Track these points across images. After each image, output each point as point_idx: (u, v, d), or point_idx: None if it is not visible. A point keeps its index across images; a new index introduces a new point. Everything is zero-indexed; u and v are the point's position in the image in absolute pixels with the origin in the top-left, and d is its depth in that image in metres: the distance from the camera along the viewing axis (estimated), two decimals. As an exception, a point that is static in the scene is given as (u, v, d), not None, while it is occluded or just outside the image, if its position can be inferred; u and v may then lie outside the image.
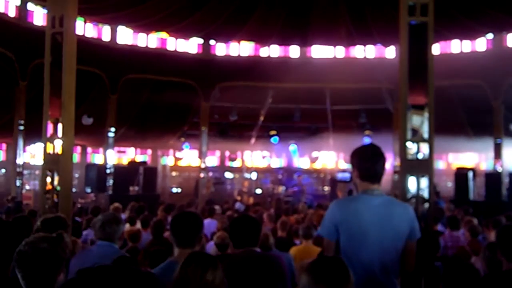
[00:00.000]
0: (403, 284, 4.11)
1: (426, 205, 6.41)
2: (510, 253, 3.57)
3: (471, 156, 27.45)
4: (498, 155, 21.80)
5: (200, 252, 3.46)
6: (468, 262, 6.82)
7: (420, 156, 6.70)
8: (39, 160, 22.88)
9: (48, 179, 8.04)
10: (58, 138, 7.98)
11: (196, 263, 3.09)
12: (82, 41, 18.00)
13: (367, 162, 4.04)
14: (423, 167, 6.57)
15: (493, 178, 17.97)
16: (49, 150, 8.10)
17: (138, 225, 9.28)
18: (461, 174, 17.78)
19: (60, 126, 8.06)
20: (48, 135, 8.16)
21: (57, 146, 8.01)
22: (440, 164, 27.64)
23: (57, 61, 8.07)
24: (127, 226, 9.22)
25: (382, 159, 4.05)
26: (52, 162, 8.00)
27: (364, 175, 4.04)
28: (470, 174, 17.45)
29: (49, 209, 7.77)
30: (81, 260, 4.63)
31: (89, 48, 20.14)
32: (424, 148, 6.68)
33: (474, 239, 8.39)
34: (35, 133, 12.42)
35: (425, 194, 6.48)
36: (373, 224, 3.89)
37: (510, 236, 3.64)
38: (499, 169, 21.18)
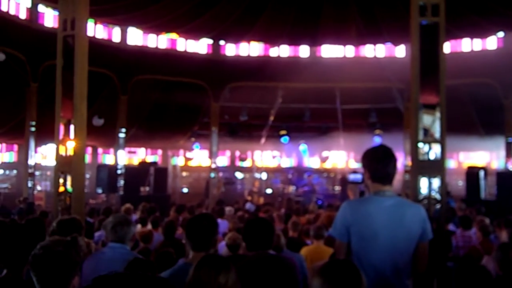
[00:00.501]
0: (415, 285, 4.10)
1: (438, 205, 6.39)
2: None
3: (482, 155, 27.29)
4: (509, 153, 21.68)
5: (213, 254, 3.48)
6: (480, 262, 6.80)
7: (432, 156, 6.68)
8: (50, 161, 23.06)
9: (61, 181, 8.09)
10: (70, 140, 8.02)
11: (209, 265, 3.10)
12: (92, 42, 17.98)
13: (378, 164, 4.04)
14: (435, 167, 6.56)
15: (504, 177, 17.84)
16: (62, 152, 8.15)
17: (149, 225, 9.31)
18: (472, 173, 17.69)
19: (72, 127, 8.10)
20: (60, 136, 8.21)
21: (69, 148, 8.06)
22: (451, 163, 27.49)
23: (68, 63, 8.12)
24: (139, 227, 9.27)
25: (393, 160, 4.05)
26: (64, 164, 8.06)
27: (376, 176, 4.04)
28: (481, 173, 17.35)
29: (62, 211, 7.82)
30: (93, 262, 4.66)
31: (99, 49, 20.21)
32: (436, 148, 6.67)
33: (485, 238, 8.34)
34: (46, 134, 12.53)
35: (437, 195, 6.46)
36: (385, 226, 3.89)
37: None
38: (511, 168, 21.06)
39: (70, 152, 8.01)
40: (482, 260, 6.94)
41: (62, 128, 8.28)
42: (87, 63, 8.23)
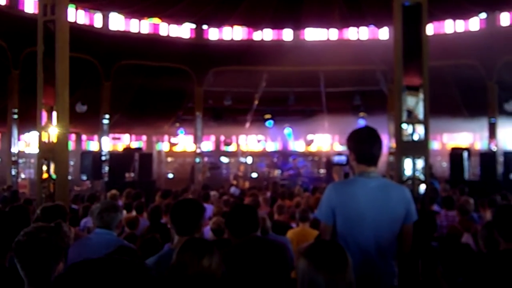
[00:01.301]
0: (400, 266, 4.12)
1: (422, 186, 6.43)
2: (507, 233, 3.58)
3: (466, 136, 27.49)
4: (492, 134, 21.85)
5: (196, 238, 3.46)
6: (460, 239, 6.89)
7: (415, 137, 6.71)
8: (34, 149, 22.85)
9: (44, 168, 8.02)
10: (53, 126, 7.95)
11: (193, 249, 3.09)
12: (74, 28, 17.83)
13: (363, 145, 4.04)
14: (418, 148, 6.59)
15: (487, 158, 17.97)
16: (44, 139, 8.07)
17: (134, 211, 9.28)
18: (456, 154, 17.78)
19: (54, 114, 8.02)
20: (43, 123, 8.13)
21: (52, 135, 7.99)
22: (434, 145, 27.69)
23: (50, 49, 8.02)
24: (124, 213, 9.22)
25: (378, 141, 4.05)
26: (47, 151, 7.99)
27: (361, 158, 4.04)
28: (465, 154, 17.45)
29: (46, 198, 7.76)
30: (79, 248, 4.62)
31: (81, 35, 20.01)
32: (420, 129, 6.69)
33: (464, 217, 8.44)
34: (29, 121, 12.39)
35: (421, 175, 6.49)
36: (370, 207, 3.89)
37: (506, 216, 3.65)
38: (494, 148, 21.24)
39: (53, 139, 7.94)
40: (462, 237, 7.04)
41: (45, 115, 8.20)
42: (68, 48, 8.12)
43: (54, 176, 7.90)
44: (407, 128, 6.69)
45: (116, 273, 1.61)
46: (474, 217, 9.24)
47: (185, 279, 3.00)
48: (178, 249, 3.12)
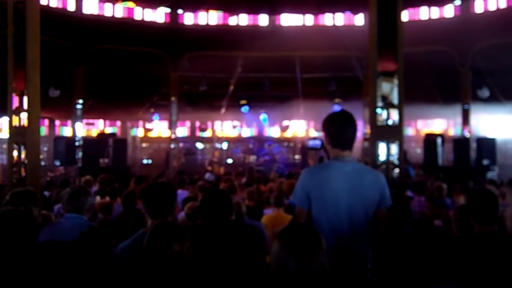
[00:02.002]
0: (374, 250, 4.13)
1: (397, 170, 6.46)
2: (480, 217, 3.60)
3: (440, 123, 27.78)
4: (466, 121, 22.08)
5: (168, 221, 3.41)
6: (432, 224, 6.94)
7: (390, 122, 6.73)
8: (5, 134, 22.53)
9: (15, 153, 7.89)
10: (24, 110, 7.81)
11: (164, 233, 3.05)
12: (47, 11, 17.60)
13: (338, 129, 4.03)
14: (393, 133, 6.61)
15: (461, 144, 18.17)
16: (15, 123, 7.93)
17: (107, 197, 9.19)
18: (430, 140, 17.95)
19: (25, 98, 7.88)
20: (13, 107, 7.98)
21: (23, 119, 7.86)
22: (409, 131, 27.93)
23: (20, 31, 7.85)
24: (98, 198, 9.14)
25: (353, 125, 4.04)
26: (18, 135, 7.86)
27: (335, 141, 4.03)
28: (439, 140, 17.62)
29: (17, 183, 7.65)
30: (50, 233, 4.56)
31: (54, 19, 19.73)
32: (394, 114, 6.71)
33: (433, 204, 8.50)
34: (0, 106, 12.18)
35: (395, 160, 6.52)
36: (344, 191, 3.89)
37: (480, 200, 3.68)
38: (467, 134, 21.48)
39: (24, 123, 7.81)
40: (433, 224, 7.09)
41: (17, 99, 8.05)
42: (39, 31, 7.96)
43: (25, 161, 7.77)
44: (381, 113, 6.70)
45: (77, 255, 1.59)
46: (447, 203, 9.34)
47: (155, 263, 2.96)
48: (149, 233, 3.08)
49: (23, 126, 7.81)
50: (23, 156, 7.79)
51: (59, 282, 1.62)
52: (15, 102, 8.03)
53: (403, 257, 4.32)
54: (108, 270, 1.60)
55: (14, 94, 8.04)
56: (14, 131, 7.89)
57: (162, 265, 2.90)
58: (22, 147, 7.81)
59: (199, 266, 3.18)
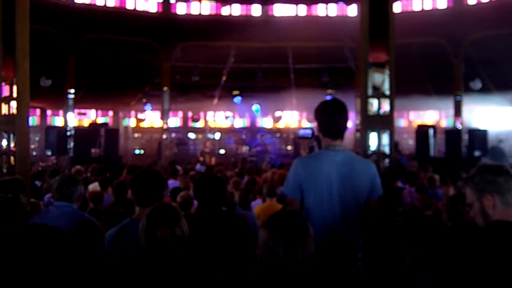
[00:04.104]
0: (364, 240, 4.13)
1: (387, 160, 6.45)
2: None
3: (432, 114, 27.84)
4: (458, 112, 22.12)
5: (165, 204, 3.37)
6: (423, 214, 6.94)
7: (381, 112, 6.72)
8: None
9: (4, 143, 7.84)
10: (13, 98, 7.75)
11: (163, 217, 3.04)
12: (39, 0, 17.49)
13: (327, 117, 4.01)
14: (384, 122, 6.60)
15: (453, 135, 18.24)
16: (4, 111, 7.87)
17: (98, 187, 9.16)
18: (422, 132, 18.00)
19: (15, 87, 7.82)
20: (2, 95, 7.92)
21: (12, 107, 7.80)
22: (401, 122, 28.00)
23: (9, 18, 7.76)
24: (90, 187, 9.11)
25: (343, 114, 4.01)
26: (7, 123, 7.79)
27: (325, 130, 4.01)
28: (431, 131, 17.67)
29: (6, 172, 7.60)
30: (39, 221, 4.53)
31: (46, 7, 19.62)
32: (385, 104, 6.70)
33: (423, 195, 8.50)
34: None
35: (386, 149, 6.52)
36: (336, 180, 3.88)
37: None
38: (459, 126, 21.53)
39: (13, 111, 7.75)
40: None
41: (7, 88, 7.98)
42: (28, 17, 7.86)
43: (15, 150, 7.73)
44: (372, 102, 6.69)
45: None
46: (438, 194, 9.36)
47: (154, 243, 2.95)
48: (148, 215, 3.05)
49: (13, 114, 7.75)
50: (12, 144, 7.74)
51: (44, 264, 1.62)
52: (5, 91, 7.96)
53: (393, 246, 4.32)
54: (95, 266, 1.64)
55: (3, 84, 7.97)
56: (3, 119, 7.82)
57: (162, 247, 2.89)
58: (11, 136, 7.75)
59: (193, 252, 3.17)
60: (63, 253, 1.68)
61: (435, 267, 3.17)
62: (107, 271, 2.84)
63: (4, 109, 7.86)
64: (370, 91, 6.67)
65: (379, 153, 6.43)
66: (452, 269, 2.82)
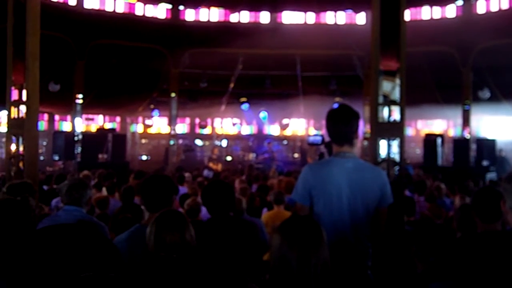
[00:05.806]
0: (374, 248, 4.10)
1: (397, 168, 6.41)
2: (484, 214, 3.54)
3: (440, 123, 27.74)
4: (466, 121, 22.05)
5: (172, 210, 3.36)
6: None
7: (391, 119, 6.68)
8: (4, 128, 22.47)
9: (13, 147, 7.86)
10: (23, 102, 7.76)
11: (171, 222, 3.03)
12: (48, 5, 17.59)
13: (334, 124, 4.00)
14: (394, 130, 6.56)
15: (461, 144, 18.20)
16: (14, 115, 7.89)
17: (104, 191, 9.16)
18: (429, 140, 17.96)
19: (24, 91, 7.84)
20: (12, 100, 7.94)
21: (22, 111, 7.82)
22: (409, 131, 27.91)
23: (20, 23, 7.79)
24: (94, 191, 9.10)
25: (354, 120, 3.99)
26: (16, 127, 7.81)
27: (336, 137, 4.00)
28: (439, 140, 17.63)
29: (14, 175, 7.60)
30: (48, 225, 4.52)
31: (55, 13, 19.69)
32: (396, 112, 6.66)
33: (432, 204, 8.47)
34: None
35: (396, 156, 6.48)
36: (345, 187, 3.86)
37: (485, 197, 3.61)
38: (467, 135, 21.45)
39: (23, 115, 7.77)
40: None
41: (16, 92, 8.01)
42: (39, 22, 7.89)
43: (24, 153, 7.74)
44: (382, 110, 6.66)
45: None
46: (446, 203, 9.32)
47: (164, 248, 2.94)
48: (156, 219, 3.04)
49: (22, 118, 7.77)
50: (21, 148, 7.75)
51: (61, 264, 1.62)
52: (14, 95, 7.99)
53: (403, 255, 4.29)
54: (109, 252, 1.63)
55: (13, 88, 8.00)
56: (13, 123, 7.85)
57: (172, 252, 2.89)
58: (20, 139, 7.77)
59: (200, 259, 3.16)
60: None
61: (451, 275, 3.13)
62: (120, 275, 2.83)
63: (14, 113, 7.88)
64: (380, 99, 6.63)
65: (389, 160, 6.39)
66: (469, 277, 2.80)
